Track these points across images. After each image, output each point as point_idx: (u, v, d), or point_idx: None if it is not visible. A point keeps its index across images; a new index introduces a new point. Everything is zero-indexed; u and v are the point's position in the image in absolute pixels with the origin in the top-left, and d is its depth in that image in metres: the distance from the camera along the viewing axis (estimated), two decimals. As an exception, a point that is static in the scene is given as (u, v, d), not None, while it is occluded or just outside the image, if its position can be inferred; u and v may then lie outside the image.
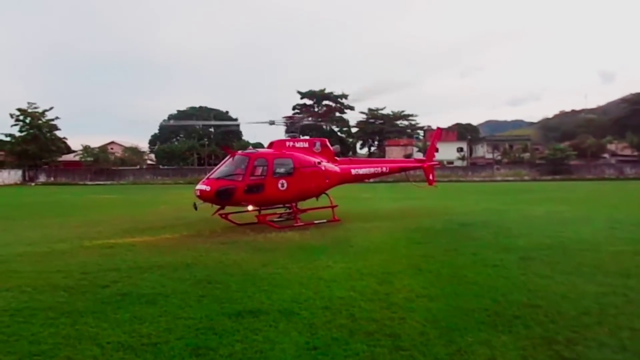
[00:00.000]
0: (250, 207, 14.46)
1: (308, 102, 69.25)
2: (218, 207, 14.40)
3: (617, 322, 5.51)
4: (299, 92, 68.66)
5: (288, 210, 16.07)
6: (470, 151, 79.57)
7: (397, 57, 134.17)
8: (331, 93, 67.92)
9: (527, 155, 66.01)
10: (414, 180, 23.21)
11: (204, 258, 9.65)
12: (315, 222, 15.29)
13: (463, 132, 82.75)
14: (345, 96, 68.50)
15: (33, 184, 57.95)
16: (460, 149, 74.16)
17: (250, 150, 16.55)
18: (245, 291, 6.98)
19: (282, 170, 14.55)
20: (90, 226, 15.34)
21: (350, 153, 72.03)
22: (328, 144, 17.08)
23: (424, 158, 22.88)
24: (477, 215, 16.97)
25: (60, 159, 67.06)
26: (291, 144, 15.90)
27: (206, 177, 14.56)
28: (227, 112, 75.96)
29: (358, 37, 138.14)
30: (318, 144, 16.39)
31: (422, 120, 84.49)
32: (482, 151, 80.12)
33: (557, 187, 37.56)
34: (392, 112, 78.52)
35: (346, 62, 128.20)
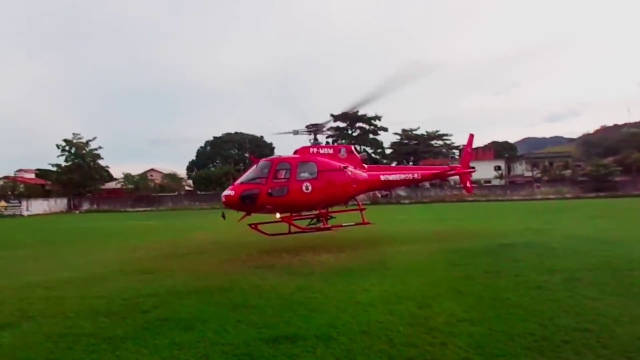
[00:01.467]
0: (278, 215, 14.41)
1: (341, 124, 69.46)
2: (244, 214, 14.46)
3: (676, 348, 5.16)
4: (332, 115, 68.99)
5: (317, 218, 15.83)
6: (509, 169, 77.75)
7: (431, 75, 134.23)
8: (364, 115, 67.91)
9: (568, 172, 63.91)
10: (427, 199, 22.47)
11: (240, 282, 9.68)
12: (344, 224, 15.33)
13: (500, 151, 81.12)
14: (378, 118, 68.45)
15: (77, 211, 60.07)
16: (497, 167, 72.57)
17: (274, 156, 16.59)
18: (281, 316, 6.93)
19: (305, 173, 14.43)
20: (130, 252, 15.70)
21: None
22: (354, 150, 16.95)
23: (459, 165, 21.90)
24: (518, 236, 16.41)
25: (103, 187, 69.50)
26: (315, 150, 15.70)
27: (231, 184, 14.78)
28: (262, 137, 77.11)
29: (390, 58, 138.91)
30: (343, 150, 16.21)
31: (457, 140, 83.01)
32: (521, 169, 78.11)
33: (602, 205, 36.04)
34: (426, 132, 77.89)
35: (378, 84, 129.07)
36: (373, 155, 69.53)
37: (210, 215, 41.85)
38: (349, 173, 15.42)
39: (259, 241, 16.54)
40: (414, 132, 77.08)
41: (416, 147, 76.14)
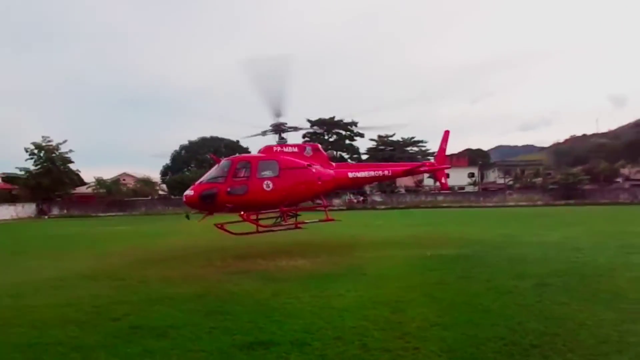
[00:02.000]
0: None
1: (318, 130, 69.70)
2: (205, 213, 14.59)
3: (637, 351, 5.36)
4: (309, 121, 69.09)
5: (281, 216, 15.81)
6: (482, 177, 79.22)
7: (407, 83, 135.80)
8: (341, 121, 68.31)
9: (539, 180, 65.46)
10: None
11: (215, 289, 9.60)
12: (307, 221, 15.53)
13: (474, 158, 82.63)
14: (355, 124, 68.87)
15: (47, 217, 58.35)
16: (471, 175, 73.93)
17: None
18: (256, 322, 6.91)
19: (267, 172, 14.41)
20: (102, 259, 15.38)
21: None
22: (320, 148, 16.94)
23: (433, 162, 21.59)
24: (490, 241, 16.77)
25: (73, 191, 67.73)
26: (279, 149, 15.68)
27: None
28: (237, 141, 76.53)
29: (366, 65, 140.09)
30: (309, 148, 16.22)
31: (433, 146, 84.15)
32: (494, 176, 79.69)
33: (570, 212, 37.07)
34: (402, 138, 78.70)
35: (354, 90, 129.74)
36: (350, 161, 69.85)
37: (184, 220, 41.31)
38: (313, 170, 15.43)
39: (234, 246, 16.44)
40: (390, 139, 77.78)
41: (392, 152, 76.76)
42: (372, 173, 17.86)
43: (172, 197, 67.44)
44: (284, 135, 16.06)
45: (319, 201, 17.49)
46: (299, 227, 15.78)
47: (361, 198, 61.82)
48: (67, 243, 22.33)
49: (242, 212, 14.28)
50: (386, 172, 18.27)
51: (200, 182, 14.36)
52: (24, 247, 21.35)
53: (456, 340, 5.84)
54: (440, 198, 59.73)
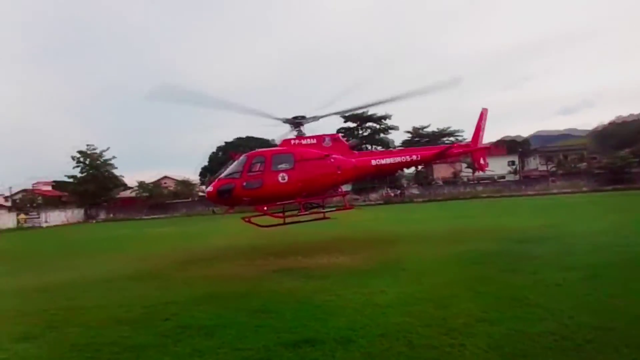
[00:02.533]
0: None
1: (351, 125, 69.31)
2: (226, 208, 15.30)
3: (700, 344, 5.10)
4: (342, 116, 68.97)
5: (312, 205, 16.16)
6: (522, 164, 76.98)
7: (442, 71, 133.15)
8: (374, 115, 67.68)
9: (583, 165, 63.03)
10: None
11: (257, 287, 9.75)
12: (325, 211, 15.99)
13: (513, 145, 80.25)
14: (388, 117, 68.16)
15: (94, 221, 60.74)
16: (511, 163, 71.91)
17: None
18: (300, 320, 6.97)
19: (282, 164, 14.67)
20: (147, 260, 15.86)
21: (397, 173, 71.26)
22: (340, 138, 16.75)
23: (469, 142, 19.92)
24: (534, 232, 16.25)
25: (117, 196, 70.21)
26: (297, 141, 15.74)
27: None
28: (272, 140, 77.20)
29: (400, 56, 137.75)
30: (327, 139, 16.01)
31: (469, 136, 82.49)
32: (535, 164, 77.26)
33: (620, 198, 35.53)
34: (437, 129, 77.33)
35: (389, 82, 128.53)
36: (384, 155, 69.32)
37: (224, 220, 42.08)
38: (331, 160, 15.35)
39: (273, 245, 16.65)
40: (425, 130, 76.61)
41: (427, 144, 75.70)
42: (397, 159, 17.08)
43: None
44: (305, 127, 16.02)
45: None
46: (327, 218, 16.05)
47: (398, 191, 61.30)
48: (113, 245, 23.14)
49: (262, 206, 14.77)
50: (414, 157, 17.40)
51: (219, 178, 14.91)
52: (75, 249, 22.29)
53: (504, 336, 5.72)
54: (479, 188, 58.48)
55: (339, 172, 15.63)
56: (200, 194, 73.26)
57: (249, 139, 75.83)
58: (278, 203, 15.69)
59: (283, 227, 15.72)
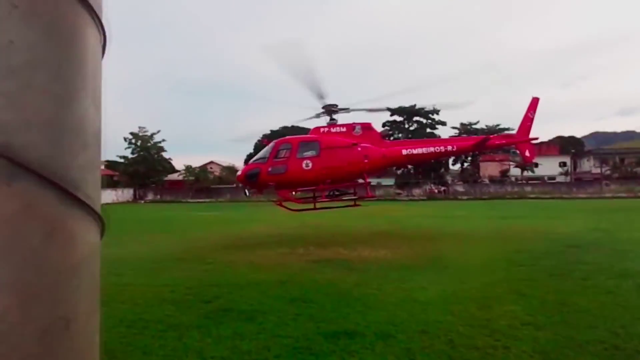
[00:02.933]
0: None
1: (398, 118, 68.50)
2: (253, 191, 16.35)
3: None
4: (389, 109, 68.09)
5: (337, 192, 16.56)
6: (575, 166, 73.93)
7: (493, 69, 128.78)
8: (422, 109, 66.54)
9: (642, 169, 59.86)
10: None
11: (298, 276, 9.84)
12: (344, 198, 16.35)
13: (566, 146, 77.22)
14: (437, 111, 66.81)
15: (142, 201, 63.14)
16: (563, 164, 69.24)
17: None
18: (340, 311, 6.99)
19: (308, 152, 15.18)
20: (192, 242, 16.34)
21: (443, 169, 70.05)
22: (372, 127, 16.63)
23: (515, 134, 18.62)
24: (585, 236, 15.60)
25: (165, 178, 72.59)
26: (327, 129, 16.04)
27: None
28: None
29: (451, 51, 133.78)
30: (358, 127, 16.07)
31: (520, 134, 79.91)
32: (588, 165, 74.04)
33: (680, 205, 33.50)
34: (486, 126, 75.37)
35: (437, 77, 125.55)
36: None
37: (267, 207, 42.73)
38: (359, 149, 15.45)
39: (316, 235, 16.75)
40: (474, 126, 74.78)
41: (475, 141, 74.04)
42: (431, 149, 16.59)
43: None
44: (352, 118, 16.22)
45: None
46: (358, 205, 16.48)
47: (442, 188, 60.26)
48: (160, 226, 23.94)
49: (285, 192, 15.58)
50: (449, 148, 16.90)
51: (248, 162, 15.85)
52: (123, 228, 23.20)
53: (550, 341, 5.54)
54: (528, 189, 56.66)
55: (366, 160, 15.62)
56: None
57: (295, 128, 76.46)
58: (300, 189, 16.33)
59: (325, 219, 15.85)
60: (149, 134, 67.52)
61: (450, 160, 76.65)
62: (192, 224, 25.35)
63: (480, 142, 18.30)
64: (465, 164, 76.64)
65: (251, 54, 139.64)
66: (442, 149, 16.73)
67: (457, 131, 74.85)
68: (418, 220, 23.90)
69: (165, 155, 69.74)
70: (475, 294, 7.91)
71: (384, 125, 67.61)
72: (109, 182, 69.11)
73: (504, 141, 19.01)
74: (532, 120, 17.97)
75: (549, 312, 6.77)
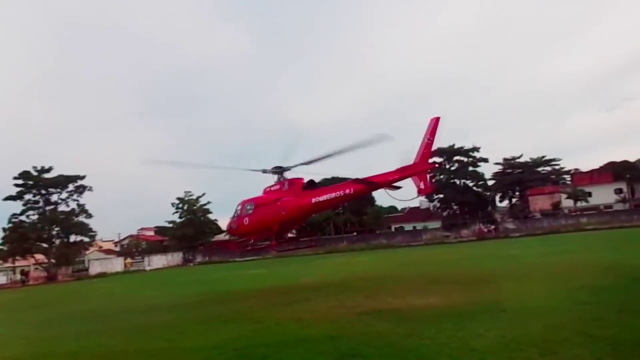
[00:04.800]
0: None
1: (438, 159, 67.72)
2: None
3: None
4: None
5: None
6: (632, 192, 70.07)
7: (531, 99, 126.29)
8: (462, 148, 65.60)
9: None
10: None
11: (346, 330, 9.53)
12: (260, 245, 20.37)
13: (619, 171, 73.59)
14: (477, 149, 65.68)
15: (192, 264, 64.12)
16: (619, 190, 65.81)
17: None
18: (392, 365, 6.65)
19: (248, 210, 18.13)
20: (243, 301, 16.30)
21: (490, 207, 67.98)
22: (296, 181, 17.69)
23: (413, 164, 15.38)
24: (654, 267, 14.48)
25: (213, 239, 73.83)
26: (269, 188, 18.28)
27: None
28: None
29: (487, 88, 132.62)
30: (286, 183, 17.77)
31: (568, 164, 76.91)
32: (648, 190, 69.98)
33: None
34: (530, 158, 73.26)
35: (476, 114, 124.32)
36: (475, 188, 66.41)
37: (314, 260, 42.48)
38: (278, 203, 17.30)
39: (364, 286, 16.39)
40: (517, 160, 72.85)
41: (521, 175, 71.70)
42: (332, 195, 16.82)
43: (301, 239, 69.90)
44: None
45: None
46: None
47: (491, 226, 58.25)
48: (211, 287, 24.02)
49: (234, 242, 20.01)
50: (347, 191, 16.50)
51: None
52: (174, 291, 23.48)
53: (627, 388, 5.01)
54: (583, 220, 53.83)
55: (283, 212, 17.15)
56: (289, 235, 75.03)
57: (334, 179, 77.10)
58: (242, 240, 19.41)
59: (372, 268, 15.44)
60: (194, 197, 69.55)
61: (497, 197, 74.53)
62: (240, 283, 25.37)
63: (382, 182, 16.16)
64: (514, 200, 74.23)
65: (291, 103, 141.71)
66: (341, 193, 16.75)
67: (500, 167, 73.12)
68: (469, 263, 23.01)
69: (211, 216, 71.29)
70: (537, 338, 7.37)
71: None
72: (160, 248, 71.04)
73: (397, 176, 15.69)
74: (432, 144, 15.38)
75: (622, 355, 6.20)
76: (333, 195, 17.12)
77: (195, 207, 69.26)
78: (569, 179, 73.33)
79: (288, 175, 17.78)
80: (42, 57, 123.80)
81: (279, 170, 17.80)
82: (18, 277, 53.66)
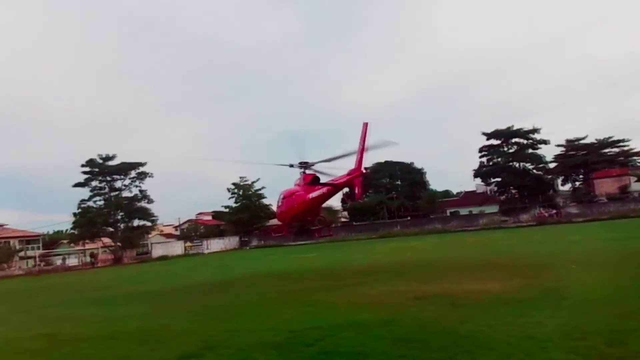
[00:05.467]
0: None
1: (495, 142, 65.21)
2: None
3: None
4: (484, 134, 65.09)
5: None
6: None
7: (595, 77, 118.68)
8: (520, 129, 62.67)
9: None
10: None
11: (400, 314, 9.47)
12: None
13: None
14: (537, 130, 62.56)
15: (248, 247, 65.93)
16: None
17: None
18: (447, 351, 6.54)
19: (280, 200, 19.58)
20: (292, 284, 16.55)
21: (551, 191, 65.02)
22: (307, 176, 18.00)
23: (353, 169, 16.91)
24: None
25: (267, 223, 75.40)
26: (297, 181, 18.86)
27: None
28: (411, 163, 76.42)
29: (548, 66, 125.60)
30: (300, 178, 18.44)
31: (638, 145, 72.06)
32: None
33: None
34: (596, 140, 68.94)
35: (535, 95, 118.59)
36: (535, 171, 63.60)
37: (367, 245, 42.44)
38: (293, 197, 18.58)
39: (418, 272, 16.20)
40: (581, 142, 68.87)
41: (585, 157, 67.80)
42: (318, 192, 17.49)
43: (354, 223, 70.09)
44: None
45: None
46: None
47: (553, 211, 55.74)
48: (261, 268, 24.61)
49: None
50: (324, 190, 17.43)
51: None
52: (230, 274, 24.24)
53: None
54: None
55: (295, 205, 18.47)
56: (343, 219, 75.25)
57: (388, 163, 76.13)
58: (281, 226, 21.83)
59: (426, 253, 15.21)
60: (249, 182, 71.13)
61: (559, 181, 71.08)
62: (293, 266, 25.78)
63: (335, 185, 17.64)
64: (577, 183, 70.52)
65: (332, 93, 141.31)
66: (320, 192, 17.41)
67: (562, 149, 69.53)
68: (528, 248, 22.20)
69: (265, 202, 72.71)
70: (603, 328, 7.00)
71: (480, 150, 64.78)
72: (217, 232, 73.43)
73: (343, 180, 17.15)
74: (363, 150, 16.29)
75: (699, 346, 5.78)
76: (319, 192, 17.95)
77: (249, 193, 70.85)
78: (639, 160, 68.69)
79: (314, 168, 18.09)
80: (104, 51, 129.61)
81: (304, 166, 18.29)
82: (88, 259, 57.27)
